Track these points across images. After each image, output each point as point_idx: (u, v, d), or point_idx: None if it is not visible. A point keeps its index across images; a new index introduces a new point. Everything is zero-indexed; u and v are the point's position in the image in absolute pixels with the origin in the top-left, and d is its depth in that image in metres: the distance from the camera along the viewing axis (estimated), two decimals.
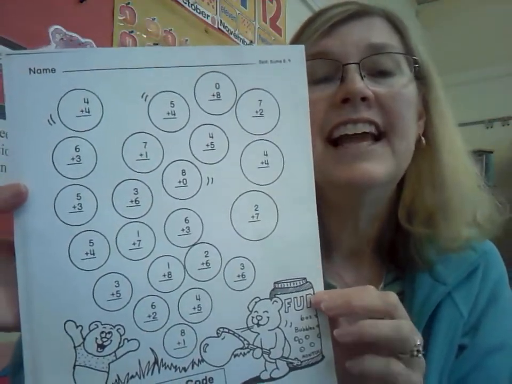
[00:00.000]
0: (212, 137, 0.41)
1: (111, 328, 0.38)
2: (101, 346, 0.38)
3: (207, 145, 0.41)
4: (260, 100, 0.42)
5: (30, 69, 0.37)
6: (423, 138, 0.57)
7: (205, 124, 0.41)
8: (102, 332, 0.38)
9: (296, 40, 0.59)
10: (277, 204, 0.42)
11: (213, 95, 0.41)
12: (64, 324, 0.38)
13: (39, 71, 0.38)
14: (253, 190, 0.41)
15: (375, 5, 0.58)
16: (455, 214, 0.55)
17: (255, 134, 0.42)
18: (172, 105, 0.40)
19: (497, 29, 3.53)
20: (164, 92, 0.40)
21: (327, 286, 0.55)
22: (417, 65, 0.55)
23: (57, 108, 0.38)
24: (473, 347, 0.54)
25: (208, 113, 0.41)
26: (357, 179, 0.50)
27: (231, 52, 0.41)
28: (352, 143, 0.51)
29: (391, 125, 0.51)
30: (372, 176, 0.50)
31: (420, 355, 0.38)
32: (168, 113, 0.40)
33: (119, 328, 0.39)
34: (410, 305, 0.55)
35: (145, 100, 0.40)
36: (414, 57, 0.55)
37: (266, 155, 0.42)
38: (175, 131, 0.40)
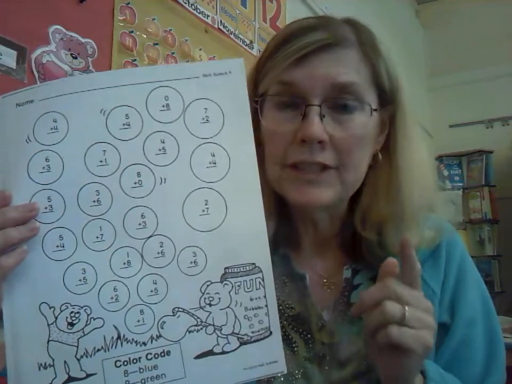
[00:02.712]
0: (164, 142, 0.47)
1: (79, 309, 0.45)
2: (71, 324, 0.45)
3: (159, 149, 0.47)
4: (206, 108, 0.47)
5: (16, 104, 0.46)
6: (379, 154, 0.61)
7: (157, 131, 0.47)
8: (72, 312, 0.45)
9: (270, 58, 0.60)
10: (225, 199, 0.47)
11: (163, 106, 0.47)
12: (39, 305, 0.45)
13: (22, 104, 0.46)
14: (203, 187, 0.47)
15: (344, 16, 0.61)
16: (405, 224, 0.60)
17: (202, 138, 0.47)
18: (127, 117, 0.46)
19: (497, 29, 3.51)
20: (119, 106, 0.46)
21: (297, 275, 0.63)
22: (382, 92, 0.59)
23: (33, 129, 0.46)
24: (456, 324, 0.59)
25: (159, 122, 0.47)
26: (307, 202, 0.58)
27: (177, 68, 0.49)
28: (306, 168, 0.57)
29: (342, 163, 0.57)
30: (320, 200, 0.57)
31: (407, 318, 0.45)
32: (124, 124, 0.46)
33: (86, 309, 0.45)
34: None
35: (104, 114, 0.46)
36: (384, 95, 0.60)
37: (214, 156, 0.47)
38: (130, 139, 0.47)
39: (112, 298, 0.45)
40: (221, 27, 1.80)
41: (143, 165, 0.46)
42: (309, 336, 0.60)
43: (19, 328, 0.44)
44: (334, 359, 0.58)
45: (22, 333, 0.44)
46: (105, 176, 0.46)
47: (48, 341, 0.44)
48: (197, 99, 0.47)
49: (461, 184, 3.50)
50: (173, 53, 1.58)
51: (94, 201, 0.46)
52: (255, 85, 0.62)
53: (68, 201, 0.46)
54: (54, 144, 0.46)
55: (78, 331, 0.45)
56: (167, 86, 0.47)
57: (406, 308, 0.46)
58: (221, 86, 0.48)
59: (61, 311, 0.45)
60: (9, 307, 0.44)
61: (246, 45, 1.94)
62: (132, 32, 1.43)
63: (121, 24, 1.40)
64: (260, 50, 2.03)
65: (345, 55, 0.57)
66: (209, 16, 1.74)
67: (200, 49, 1.69)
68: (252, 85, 0.61)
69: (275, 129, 0.58)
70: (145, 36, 1.47)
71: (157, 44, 1.51)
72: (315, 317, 0.60)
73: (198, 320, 0.46)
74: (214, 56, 1.76)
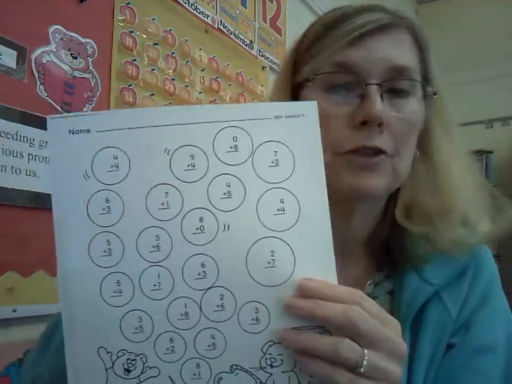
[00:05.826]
0: (229, 186, 0.44)
1: (135, 356, 0.43)
2: (127, 371, 0.43)
3: (224, 193, 0.44)
4: (275, 151, 0.44)
5: (69, 130, 0.43)
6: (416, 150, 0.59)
7: (223, 174, 0.44)
8: (128, 359, 0.43)
9: (317, 41, 0.57)
10: (293, 250, 0.43)
11: (231, 147, 0.44)
12: (98, 349, 0.43)
13: (77, 132, 0.43)
14: (269, 236, 0.43)
15: (405, 13, 0.59)
16: (455, 217, 0.56)
17: (271, 183, 0.44)
18: (192, 157, 0.44)
19: (497, 29, 3.53)
20: (184, 146, 0.44)
21: None
22: (431, 88, 0.58)
23: (92, 164, 0.43)
24: (462, 345, 0.55)
25: (226, 164, 0.44)
26: (362, 188, 0.53)
27: (248, 108, 0.45)
28: (359, 154, 0.53)
29: (396, 150, 0.54)
30: (374, 187, 0.53)
31: (363, 370, 0.37)
32: (188, 165, 0.44)
33: (142, 357, 0.43)
34: (398, 303, 0.57)
35: (168, 154, 0.43)
36: (429, 85, 0.58)
37: (283, 202, 0.44)
38: (194, 181, 0.44)
39: (168, 349, 0.43)
40: (221, 27, 1.80)
41: (206, 209, 0.43)
42: None
43: (79, 370, 0.43)
44: None
45: (81, 374, 0.43)
46: (166, 221, 0.43)
47: None
48: (266, 141, 0.44)
49: None
50: (173, 53, 1.57)
51: (153, 247, 0.43)
52: (293, 71, 0.60)
53: (127, 245, 0.43)
54: (114, 184, 0.43)
55: (134, 378, 0.43)
56: (236, 126, 0.44)
57: (366, 351, 0.38)
58: (293, 129, 0.44)
59: (118, 357, 0.43)
60: (71, 347, 0.43)
61: (246, 45, 1.94)
62: (132, 32, 1.43)
63: (121, 24, 1.39)
64: (260, 50, 2.03)
65: (400, 37, 0.56)
66: (209, 16, 1.74)
67: (200, 49, 1.69)
68: (288, 73, 0.59)
69: (327, 113, 0.53)
70: (145, 36, 1.47)
71: (157, 44, 1.51)
72: None
73: (258, 380, 0.43)
74: (214, 56, 1.76)
